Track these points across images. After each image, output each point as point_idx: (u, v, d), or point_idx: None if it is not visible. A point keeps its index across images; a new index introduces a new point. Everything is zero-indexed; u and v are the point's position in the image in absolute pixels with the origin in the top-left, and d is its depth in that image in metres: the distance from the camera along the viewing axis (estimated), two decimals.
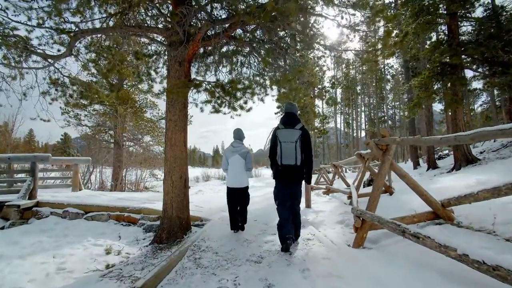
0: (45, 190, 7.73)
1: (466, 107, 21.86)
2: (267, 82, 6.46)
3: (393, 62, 33.02)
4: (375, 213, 3.30)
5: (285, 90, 6.36)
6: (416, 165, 14.08)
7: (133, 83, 15.36)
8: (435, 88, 8.31)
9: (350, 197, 6.85)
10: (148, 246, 4.48)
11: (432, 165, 10.72)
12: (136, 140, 16.18)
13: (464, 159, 8.07)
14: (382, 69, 33.64)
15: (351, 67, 36.16)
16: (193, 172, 27.64)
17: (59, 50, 5.37)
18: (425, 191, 3.36)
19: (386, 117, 37.74)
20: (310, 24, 5.80)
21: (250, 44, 5.18)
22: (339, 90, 38.71)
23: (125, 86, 16.59)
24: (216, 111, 5.17)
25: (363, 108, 39.97)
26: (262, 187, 13.67)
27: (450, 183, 5.30)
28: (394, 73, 34.81)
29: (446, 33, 8.37)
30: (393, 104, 39.32)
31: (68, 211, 5.94)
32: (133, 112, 14.87)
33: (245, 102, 5.78)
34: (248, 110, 5.59)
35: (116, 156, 15.65)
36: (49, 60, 4.91)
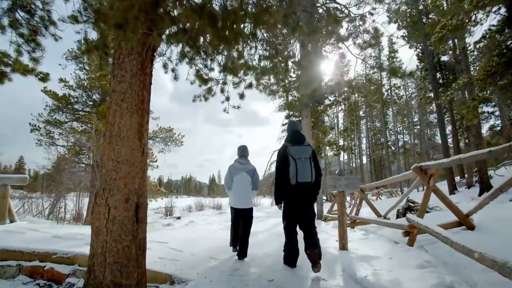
0: None
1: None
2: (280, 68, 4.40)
3: (400, 83, 32.06)
4: None
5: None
6: (453, 189, 11.68)
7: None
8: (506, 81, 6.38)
9: (407, 233, 4.53)
10: None
11: (486, 188, 8.43)
12: None
13: None
14: (389, 91, 32.49)
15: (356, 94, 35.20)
16: (186, 201, 24.72)
17: None
18: None
19: (389, 143, 35.89)
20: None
21: None
22: (340, 115, 37.43)
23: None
24: (199, 76, 2.98)
25: (366, 134, 38.39)
26: (264, 218, 11.17)
27: None
28: (400, 94, 33.79)
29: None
30: (396, 129, 37.74)
31: None
32: None
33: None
34: (255, 87, 3.42)
35: (91, 181, 13.37)
36: None
